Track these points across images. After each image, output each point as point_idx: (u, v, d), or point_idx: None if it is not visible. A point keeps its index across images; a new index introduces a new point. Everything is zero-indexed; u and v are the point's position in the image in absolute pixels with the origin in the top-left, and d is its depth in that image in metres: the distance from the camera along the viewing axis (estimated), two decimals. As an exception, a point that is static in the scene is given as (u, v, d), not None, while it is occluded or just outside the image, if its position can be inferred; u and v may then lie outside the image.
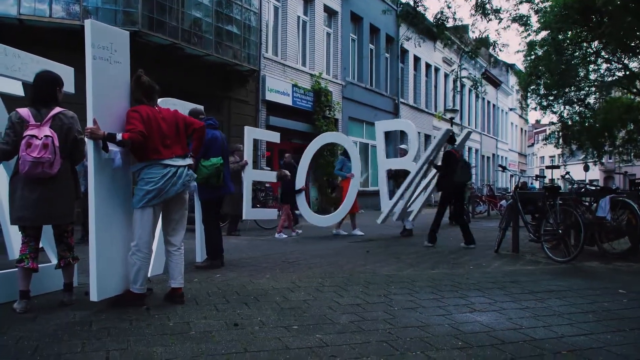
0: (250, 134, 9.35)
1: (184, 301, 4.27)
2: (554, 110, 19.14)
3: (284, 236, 10.09)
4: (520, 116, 49.46)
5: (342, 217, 10.56)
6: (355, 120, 21.05)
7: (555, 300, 4.64)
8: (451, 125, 22.56)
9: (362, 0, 21.45)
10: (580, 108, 18.76)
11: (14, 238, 5.38)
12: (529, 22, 15.90)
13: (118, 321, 3.68)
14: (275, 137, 10.04)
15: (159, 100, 4.92)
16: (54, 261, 4.47)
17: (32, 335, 3.33)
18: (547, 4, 15.14)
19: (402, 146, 10.84)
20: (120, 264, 4.17)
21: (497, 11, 13.62)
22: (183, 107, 5.76)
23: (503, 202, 18.23)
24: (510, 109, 46.09)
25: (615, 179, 43.27)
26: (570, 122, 19.13)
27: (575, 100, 18.46)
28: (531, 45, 16.93)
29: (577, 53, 16.25)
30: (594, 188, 8.31)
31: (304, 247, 8.42)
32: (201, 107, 6.26)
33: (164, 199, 4.16)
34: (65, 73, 4.75)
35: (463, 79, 19.36)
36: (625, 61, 16.88)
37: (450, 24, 13.76)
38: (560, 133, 20.33)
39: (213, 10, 13.54)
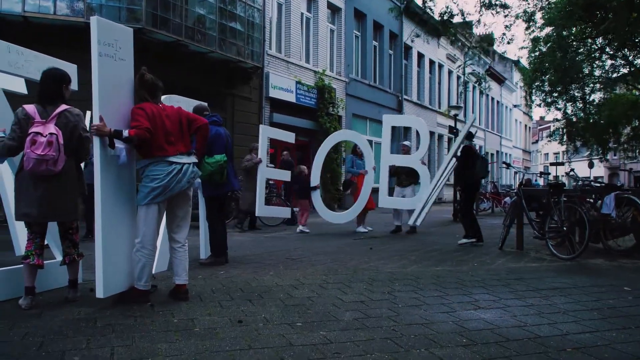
0: (265, 132, 9.42)
1: (188, 298, 4.28)
2: (559, 107, 19.09)
3: (307, 230, 10.33)
4: (525, 113, 49.35)
5: (362, 215, 10.61)
6: (359, 117, 21.03)
7: (560, 297, 4.63)
8: (455, 123, 22.48)
9: (365, -3, 21.44)
10: (585, 105, 18.69)
11: (21, 234, 5.41)
12: (533, 18, 15.85)
13: (123, 318, 3.69)
14: (290, 137, 10.11)
15: (163, 97, 4.92)
16: (59, 258, 4.49)
17: (37, 331, 3.34)
18: (551, 0, 15.09)
19: (406, 143, 10.78)
20: (125, 260, 4.18)
21: (504, 6, 13.60)
22: (187, 104, 5.76)
23: (507, 199, 18.20)
24: (515, 106, 45.95)
25: (620, 176, 43.14)
26: (574, 119, 19.07)
27: (579, 97, 18.40)
28: (535, 42, 16.88)
29: (581, 49, 16.19)
30: (598, 185, 8.28)
31: (308, 244, 8.42)
32: (205, 104, 6.27)
33: (169, 196, 4.16)
34: (69, 70, 4.75)
35: (467, 76, 19.27)
36: (630, 57, 16.81)
37: (456, 19, 13.76)
38: (565, 130, 20.27)
39: (217, 7, 13.54)
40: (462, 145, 9.02)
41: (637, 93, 18.63)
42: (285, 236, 9.64)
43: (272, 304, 4.20)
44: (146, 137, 4.00)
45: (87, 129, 4.11)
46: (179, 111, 4.43)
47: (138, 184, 4.24)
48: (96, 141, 3.94)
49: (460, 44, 27.84)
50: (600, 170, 45.81)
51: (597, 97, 19.33)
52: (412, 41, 21.05)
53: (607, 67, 18.20)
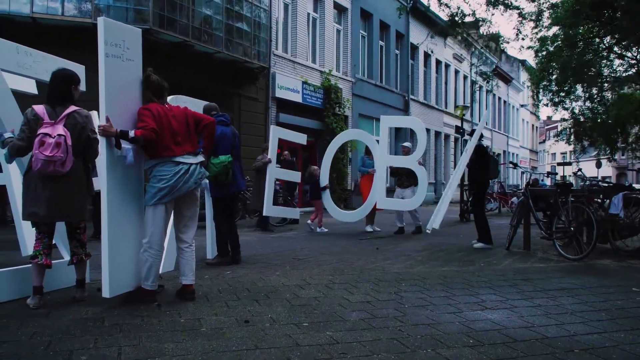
0: (276, 133, 9.45)
1: (195, 298, 4.29)
2: (566, 106, 19.00)
3: (325, 230, 10.45)
4: (532, 112, 49.14)
5: (372, 215, 10.64)
6: (365, 117, 21.00)
7: (568, 298, 4.61)
8: (461, 123, 22.43)
9: (372, -4, 21.44)
10: (593, 104, 18.59)
11: (28, 235, 5.44)
12: (540, 18, 15.78)
13: (130, 317, 3.70)
14: (301, 138, 10.15)
15: (170, 97, 4.94)
16: (67, 257, 4.51)
17: (45, 330, 3.36)
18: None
19: (406, 144, 10.73)
20: (132, 260, 4.19)
21: (507, 5, 13.56)
22: (194, 104, 5.77)
23: (514, 199, 18.13)
24: (522, 105, 45.78)
25: (628, 176, 42.89)
26: (582, 119, 18.98)
27: (587, 96, 18.30)
28: (543, 41, 16.81)
29: (588, 49, 16.10)
30: (606, 185, 8.23)
31: (314, 244, 8.42)
32: (215, 104, 6.30)
33: (176, 196, 4.18)
34: (77, 71, 4.78)
35: (477, 74, 19.20)
36: (639, 57, 16.70)
37: (468, 19, 13.76)
38: (572, 129, 20.17)
39: (223, 8, 13.57)
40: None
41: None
42: (291, 236, 9.64)
43: (278, 304, 4.20)
44: (152, 138, 4.01)
45: (96, 130, 4.13)
46: (185, 111, 4.45)
47: (146, 184, 4.26)
48: (103, 142, 3.96)
49: (466, 44, 27.78)
50: (608, 170, 45.58)
51: (605, 95, 19.20)
52: (425, 43, 21.01)
53: (615, 67, 18.11)
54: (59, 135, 3.77)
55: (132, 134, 3.96)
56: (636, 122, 18.64)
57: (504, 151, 40.44)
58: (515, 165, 10.41)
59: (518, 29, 15.01)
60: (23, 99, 4.76)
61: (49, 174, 3.79)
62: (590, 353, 3.11)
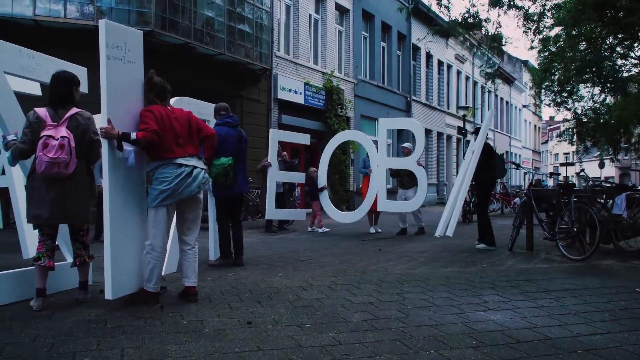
0: (275, 136, 9.51)
1: (198, 299, 4.30)
2: (568, 107, 18.95)
3: (327, 229, 10.60)
4: (534, 113, 49.08)
5: (375, 216, 10.67)
6: (367, 118, 21.00)
7: (571, 298, 4.60)
8: (464, 124, 22.43)
9: (373, -3, 21.46)
10: (595, 104, 18.54)
11: (29, 237, 5.45)
12: (542, 19, 15.75)
13: (133, 319, 3.71)
14: (304, 138, 10.17)
15: (174, 99, 4.95)
16: (70, 259, 4.52)
17: (48, 332, 3.37)
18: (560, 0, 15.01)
19: (406, 145, 10.72)
20: (134, 262, 4.20)
21: (511, 5, 13.56)
22: (197, 106, 5.79)
23: (517, 199, 18.09)
24: (524, 106, 45.73)
25: (631, 176, 42.81)
26: (584, 119, 18.93)
27: (589, 96, 18.26)
28: (545, 42, 16.77)
29: (591, 49, 16.07)
30: (609, 185, 8.21)
31: (317, 245, 8.42)
32: (226, 104, 6.35)
33: (178, 200, 4.18)
34: (79, 73, 4.79)
35: (483, 73, 19.12)
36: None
37: (470, 20, 13.75)
38: (575, 130, 20.12)
39: (225, 10, 13.58)
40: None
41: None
42: (294, 238, 9.64)
43: (281, 305, 4.20)
44: (154, 140, 4.02)
45: (98, 132, 4.14)
46: (188, 115, 4.45)
47: (148, 187, 4.26)
48: (104, 144, 3.97)
49: (469, 44, 27.75)
50: (611, 170, 45.51)
51: (607, 96, 19.14)
52: (425, 44, 20.98)
53: (617, 67, 18.04)
54: (63, 137, 3.78)
55: (133, 136, 3.96)
56: (639, 122, 18.57)
57: (507, 152, 40.37)
58: (518, 166, 10.40)
59: (527, 27, 14.91)
60: (26, 101, 4.77)
61: (52, 175, 3.80)
62: (593, 354, 3.11)
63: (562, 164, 34.22)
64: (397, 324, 3.69)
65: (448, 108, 29.43)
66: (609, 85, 16.92)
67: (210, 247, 6.47)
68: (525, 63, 38.98)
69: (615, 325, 3.73)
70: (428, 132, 26.03)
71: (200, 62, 13.27)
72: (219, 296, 4.52)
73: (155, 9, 11.54)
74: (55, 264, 4.12)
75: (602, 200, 7.77)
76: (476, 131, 9.00)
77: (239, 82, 14.91)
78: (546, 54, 17.00)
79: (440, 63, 28.45)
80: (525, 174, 37.78)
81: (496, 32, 14.84)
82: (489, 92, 33.65)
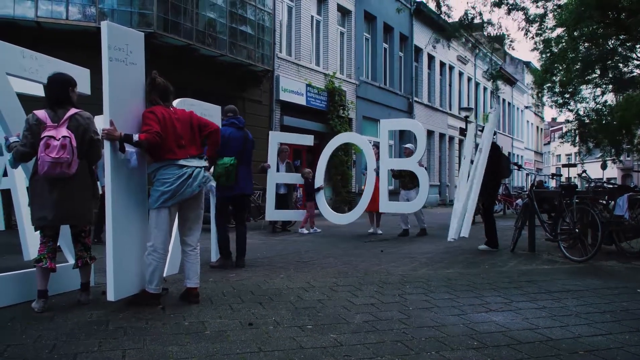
0: (275, 138, 9.56)
1: (199, 301, 4.30)
2: (570, 108, 18.93)
3: (319, 230, 10.75)
4: (536, 114, 49.02)
5: (377, 217, 10.69)
6: (369, 119, 20.99)
7: (572, 300, 4.60)
8: (465, 125, 22.38)
9: (376, -1, 21.47)
10: (597, 105, 18.52)
11: (30, 239, 5.46)
12: (544, 20, 15.74)
13: (134, 320, 3.71)
14: (308, 140, 10.22)
15: (177, 101, 4.95)
16: (71, 261, 4.52)
17: (49, 334, 3.38)
18: (563, 0, 14.99)
19: (408, 145, 10.71)
20: (136, 264, 4.21)
21: (514, 6, 13.58)
22: (201, 107, 5.79)
23: (519, 201, 18.07)
24: (526, 107, 45.69)
25: (633, 177, 42.71)
26: (587, 120, 18.90)
27: (591, 97, 18.25)
28: (547, 43, 16.76)
29: (593, 50, 16.05)
30: (611, 186, 8.19)
31: (318, 246, 8.42)
32: (233, 107, 6.39)
33: (179, 200, 4.18)
34: (82, 74, 4.81)
35: (490, 73, 19.09)
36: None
37: (476, 21, 13.77)
38: (577, 131, 20.09)
39: (227, 11, 13.59)
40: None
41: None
42: (296, 239, 9.64)
43: (282, 306, 4.21)
44: (156, 142, 4.02)
45: (98, 131, 4.14)
46: (190, 115, 4.46)
47: (150, 188, 4.27)
48: (107, 145, 3.97)
49: (471, 45, 27.74)
50: (613, 171, 45.41)
51: (609, 97, 19.14)
52: (434, 47, 21.02)
53: (620, 68, 18.01)
54: (64, 137, 3.79)
55: (136, 137, 3.97)
56: (641, 123, 18.54)
57: (509, 153, 40.28)
58: (520, 167, 10.38)
59: (526, 29, 14.94)
60: (29, 103, 4.78)
61: (55, 176, 3.80)
62: (594, 355, 3.10)
63: (564, 165, 34.19)
64: (399, 325, 3.69)
65: (450, 109, 29.41)
66: (615, 80, 16.88)
67: (212, 248, 6.48)
68: (527, 64, 38.93)
69: (616, 326, 3.73)
70: (430, 133, 26.03)
71: (202, 63, 13.28)
72: (220, 297, 4.52)
73: (157, 11, 11.56)
74: (57, 265, 4.13)
75: (604, 202, 7.75)
76: (482, 130, 8.97)
77: (240, 84, 14.92)
78: (548, 54, 16.98)
79: (442, 64, 28.43)
80: (527, 175, 37.77)
81: (498, 34, 14.85)
82: (492, 93, 33.60)
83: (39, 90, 5.58)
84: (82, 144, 3.99)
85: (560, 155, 62.19)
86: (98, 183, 4.60)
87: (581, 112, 19.10)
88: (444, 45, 18.10)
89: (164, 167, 4.15)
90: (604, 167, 31.59)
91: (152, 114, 4.14)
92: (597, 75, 16.45)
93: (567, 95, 17.99)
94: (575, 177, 26.28)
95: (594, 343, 3.32)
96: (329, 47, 18.97)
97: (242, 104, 15.20)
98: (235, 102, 14.75)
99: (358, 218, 10.33)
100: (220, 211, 6.26)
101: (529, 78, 41.35)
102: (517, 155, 42.48)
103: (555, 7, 15.16)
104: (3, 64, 4.21)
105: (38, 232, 4.11)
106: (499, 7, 13.50)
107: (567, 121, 22.34)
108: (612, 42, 15.84)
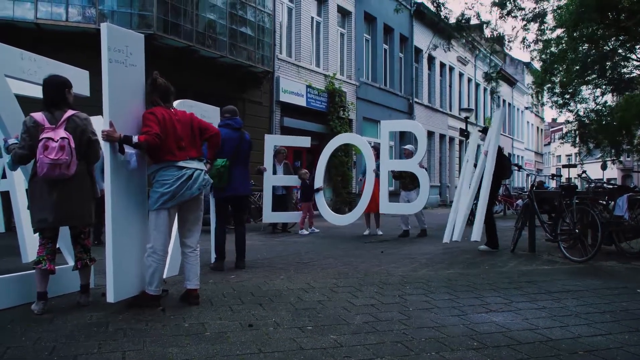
0: (271, 141, 9.61)
1: (199, 302, 4.30)
2: (570, 108, 18.94)
3: (317, 230, 10.80)
4: (537, 115, 49.02)
5: (377, 217, 10.71)
6: (370, 120, 21.01)
7: (572, 300, 4.60)
8: (466, 126, 22.40)
9: (375, 0, 21.44)
10: (597, 106, 18.53)
11: (29, 241, 5.45)
12: (544, 20, 15.76)
13: (134, 322, 3.71)
14: (305, 141, 10.24)
15: (177, 102, 4.96)
16: (71, 263, 4.52)
17: (49, 336, 3.38)
18: (563, 1, 15.01)
19: (407, 146, 10.71)
20: (136, 265, 4.21)
21: (516, 6, 13.62)
22: (200, 108, 5.80)
23: (519, 201, 18.06)
24: (526, 108, 45.69)
25: (633, 178, 42.70)
26: (587, 121, 18.91)
27: (591, 98, 18.26)
28: (547, 43, 16.77)
29: (593, 51, 16.06)
30: (611, 186, 8.19)
31: (318, 247, 8.42)
32: (232, 107, 6.38)
33: (179, 202, 4.18)
34: (81, 76, 4.81)
35: (490, 73, 19.09)
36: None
37: (473, 22, 13.80)
38: (577, 132, 20.10)
39: (227, 13, 13.60)
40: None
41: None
42: (296, 240, 9.64)
43: (282, 307, 4.21)
44: (156, 143, 4.02)
45: (96, 132, 4.14)
46: (191, 117, 4.46)
47: (149, 189, 4.27)
48: (106, 147, 3.97)
49: (471, 46, 27.73)
50: (613, 172, 45.39)
51: (609, 98, 19.15)
52: (431, 51, 21.04)
53: (619, 69, 18.02)
54: (62, 138, 3.79)
55: (135, 139, 3.97)
56: (641, 124, 18.53)
57: (509, 153, 40.29)
58: (520, 168, 10.37)
59: (524, 37, 15.09)
60: (28, 105, 4.79)
61: (55, 177, 3.80)
62: (594, 355, 3.10)
63: (564, 166, 34.16)
64: (399, 325, 3.69)
65: (450, 110, 29.41)
66: (613, 81, 16.89)
67: (212, 250, 6.47)
68: (527, 65, 38.93)
69: (616, 327, 3.73)
70: (430, 134, 26.03)
71: (202, 65, 13.29)
72: (220, 299, 4.52)
73: (157, 12, 11.57)
74: (56, 267, 4.13)
75: (604, 202, 7.75)
76: (484, 130, 8.96)
77: (241, 85, 14.93)
78: (548, 55, 16.99)
79: (442, 65, 28.43)
80: (527, 175, 37.78)
81: (498, 34, 14.87)
82: (491, 93, 33.59)
83: (37, 92, 5.60)
84: (81, 145, 3.99)
85: (560, 155, 62.19)
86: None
87: (581, 113, 19.11)
88: (445, 49, 18.07)
89: (164, 168, 4.15)
90: (604, 167, 31.61)
91: (152, 115, 4.14)
92: (596, 75, 16.46)
93: (567, 96, 18.00)
94: (575, 178, 26.27)
95: (593, 343, 3.32)
96: (329, 48, 18.98)
97: (242, 106, 15.20)
98: (235, 103, 14.76)
99: (358, 219, 10.34)
100: (216, 212, 6.26)
101: (529, 79, 41.36)
102: (517, 156, 42.47)
103: (555, 7, 15.17)
104: (2, 65, 4.22)
105: (37, 234, 4.10)
106: (501, 8, 13.52)
107: (567, 122, 22.36)
108: (612, 43, 15.85)
